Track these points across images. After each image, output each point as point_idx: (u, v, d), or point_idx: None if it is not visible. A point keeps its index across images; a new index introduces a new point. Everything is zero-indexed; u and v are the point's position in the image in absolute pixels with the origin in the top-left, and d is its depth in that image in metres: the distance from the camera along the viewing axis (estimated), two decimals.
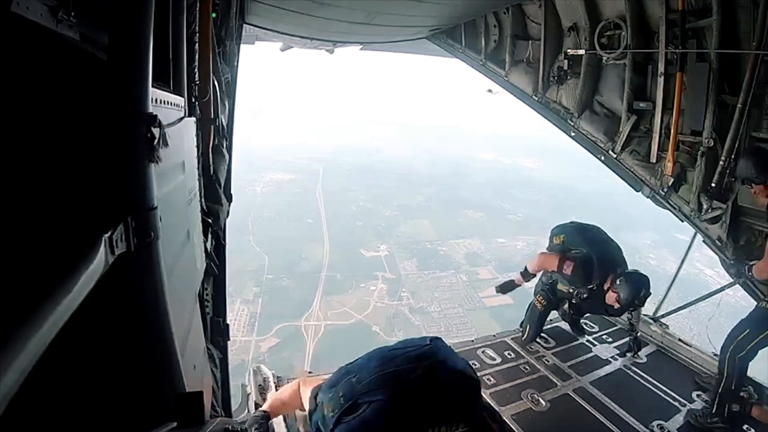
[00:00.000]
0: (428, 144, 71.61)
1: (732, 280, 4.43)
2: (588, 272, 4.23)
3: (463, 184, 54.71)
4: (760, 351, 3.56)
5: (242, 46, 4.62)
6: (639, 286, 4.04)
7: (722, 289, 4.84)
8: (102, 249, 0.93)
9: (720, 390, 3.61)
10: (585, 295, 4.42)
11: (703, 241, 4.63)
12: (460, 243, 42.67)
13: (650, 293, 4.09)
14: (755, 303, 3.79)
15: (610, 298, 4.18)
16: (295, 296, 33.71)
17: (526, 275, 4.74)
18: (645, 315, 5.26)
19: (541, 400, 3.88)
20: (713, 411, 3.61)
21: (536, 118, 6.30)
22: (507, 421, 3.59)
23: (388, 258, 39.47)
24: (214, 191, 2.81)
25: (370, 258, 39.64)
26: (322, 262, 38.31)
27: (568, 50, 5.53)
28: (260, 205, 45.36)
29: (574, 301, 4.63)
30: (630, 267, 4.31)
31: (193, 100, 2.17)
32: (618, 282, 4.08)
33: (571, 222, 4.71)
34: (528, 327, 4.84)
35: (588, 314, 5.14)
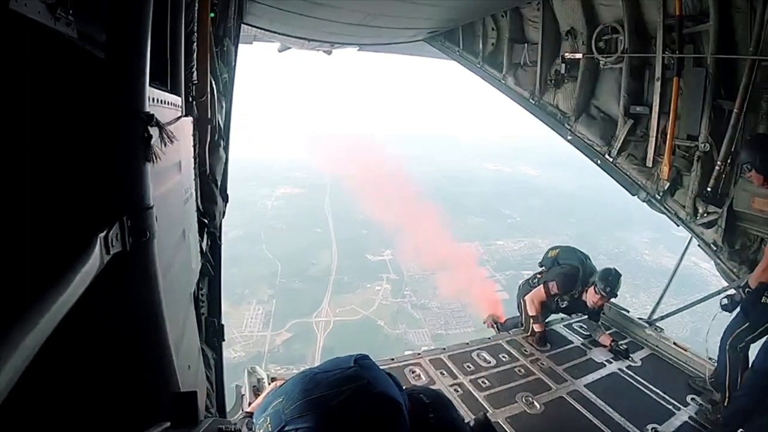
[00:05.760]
0: (431, 155, 73.08)
1: (726, 285, 4.46)
2: (572, 282, 4.94)
3: (465, 193, 56.46)
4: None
5: (240, 46, 4.62)
6: (608, 271, 4.81)
7: (718, 293, 4.85)
8: (97, 248, 0.92)
9: (727, 383, 3.69)
10: (566, 303, 5.03)
11: (699, 246, 4.65)
12: (461, 246, 43.84)
13: (620, 274, 4.82)
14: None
15: (590, 296, 4.82)
16: (306, 297, 35.81)
17: (536, 318, 5.04)
18: (640, 318, 5.29)
19: (536, 403, 3.89)
20: (726, 405, 3.67)
21: (537, 126, 6.34)
22: (501, 423, 3.59)
23: (392, 261, 41.37)
24: (211, 191, 2.80)
25: (376, 262, 41.75)
26: (331, 267, 40.45)
27: (566, 54, 5.56)
28: (272, 217, 48.09)
29: (553, 308, 5.19)
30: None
31: (191, 99, 2.16)
32: (591, 280, 4.83)
33: (565, 245, 5.51)
34: (529, 322, 5.03)
35: (583, 318, 5.26)
